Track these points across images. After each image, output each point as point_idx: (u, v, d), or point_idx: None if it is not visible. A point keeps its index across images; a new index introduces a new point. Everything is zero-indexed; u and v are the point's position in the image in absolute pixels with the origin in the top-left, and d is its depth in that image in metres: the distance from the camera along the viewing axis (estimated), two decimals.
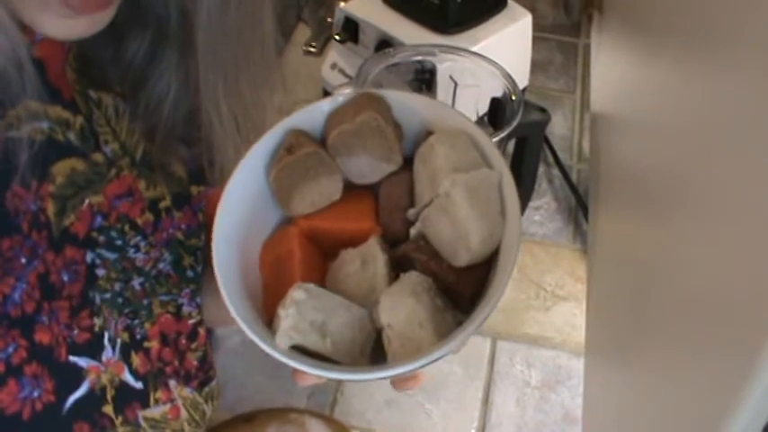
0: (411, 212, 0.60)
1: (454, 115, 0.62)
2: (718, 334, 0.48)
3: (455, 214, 0.55)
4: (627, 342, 0.78)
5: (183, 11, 0.69)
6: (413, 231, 0.59)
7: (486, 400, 0.96)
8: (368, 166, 0.62)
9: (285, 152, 0.61)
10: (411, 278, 0.57)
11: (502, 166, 0.58)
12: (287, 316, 0.55)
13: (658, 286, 0.67)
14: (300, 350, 0.56)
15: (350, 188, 0.63)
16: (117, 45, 0.71)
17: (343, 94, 0.64)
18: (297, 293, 0.56)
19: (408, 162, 0.63)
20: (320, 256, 0.64)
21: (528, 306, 1.06)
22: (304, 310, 0.56)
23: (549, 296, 1.08)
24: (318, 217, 0.63)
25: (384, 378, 0.57)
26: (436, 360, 0.53)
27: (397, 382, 0.63)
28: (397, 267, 0.59)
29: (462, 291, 0.57)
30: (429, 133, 0.62)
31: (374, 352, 0.59)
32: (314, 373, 0.55)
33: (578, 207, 1.18)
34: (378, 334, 0.58)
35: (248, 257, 0.63)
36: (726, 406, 0.44)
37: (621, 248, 0.90)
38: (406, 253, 0.59)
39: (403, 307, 0.56)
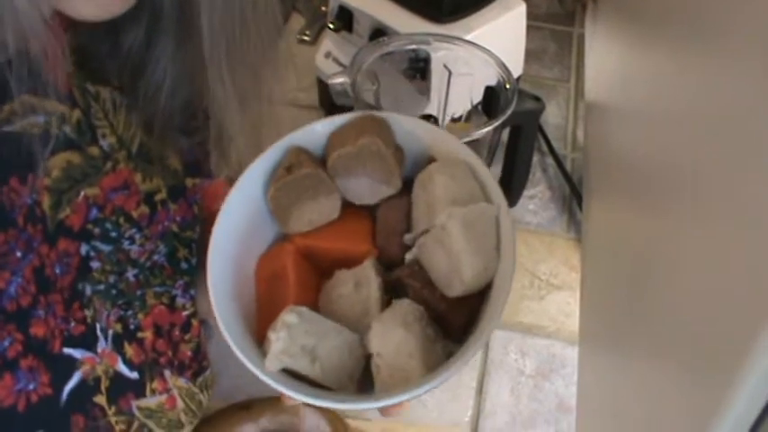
0: (407, 237, 0.60)
1: (456, 144, 0.62)
2: (712, 322, 0.49)
3: (450, 247, 0.55)
4: (621, 331, 0.78)
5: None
6: (408, 257, 0.59)
7: (480, 389, 0.97)
8: (367, 188, 0.62)
9: (284, 171, 0.61)
10: (402, 306, 0.57)
11: (500, 199, 0.58)
12: (278, 339, 0.55)
13: (652, 275, 0.67)
14: (289, 372, 0.56)
15: (348, 208, 0.64)
16: (114, 37, 0.71)
17: (344, 116, 0.65)
18: (288, 317, 0.56)
19: (408, 185, 0.63)
20: (315, 274, 0.64)
21: (522, 295, 1.07)
22: (295, 333, 0.56)
23: (543, 285, 1.08)
24: (315, 236, 0.63)
25: (370, 409, 0.57)
26: (424, 393, 0.54)
27: (383, 410, 0.64)
28: (391, 291, 0.60)
29: (453, 321, 0.58)
30: (431, 159, 0.62)
31: (362, 377, 0.59)
32: (301, 399, 0.55)
33: (572, 196, 1.18)
34: (367, 360, 0.59)
35: (244, 273, 0.63)
36: (720, 394, 0.44)
37: (615, 237, 0.90)
38: (400, 278, 0.59)
39: (393, 336, 0.56)
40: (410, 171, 0.63)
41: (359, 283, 0.60)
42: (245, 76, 0.73)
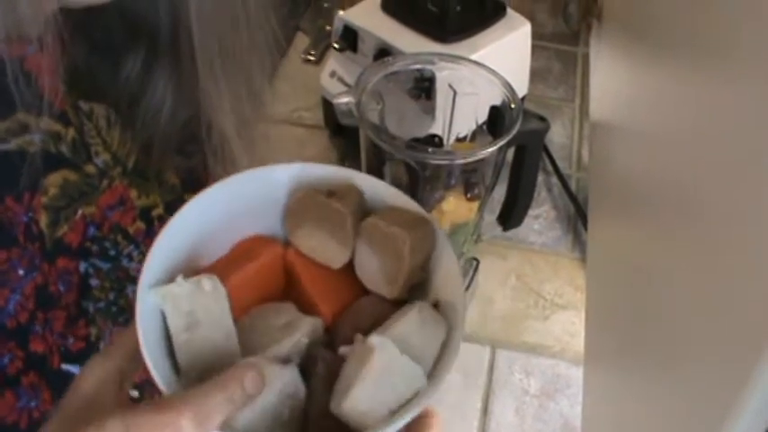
0: (358, 336, 0.55)
1: (459, 303, 0.57)
2: (718, 342, 0.48)
3: (359, 368, 0.51)
4: (626, 351, 0.78)
5: (173, 14, 0.69)
6: (341, 350, 0.55)
7: (485, 409, 0.96)
8: (371, 272, 0.59)
9: (326, 192, 0.59)
10: (285, 372, 0.53)
11: (435, 384, 0.52)
12: (179, 285, 0.53)
13: (657, 295, 0.67)
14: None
15: (352, 272, 0.60)
16: (112, 64, 0.72)
17: (411, 203, 0.61)
18: (206, 282, 0.54)
19: (404, 302, 0.59)
20: (276, 286, 0.61)
21: (527, 315, 1.06)
22: (197, 297, 0.53)
23: (547, 305, 1.08)
24: (305, 264, 0.61)
25: None
26: None
27: None
28: (305, 361, 0.56)
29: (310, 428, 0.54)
30: (435, 302, 0.58)
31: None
32: None
33: (577, 216, 1.18)
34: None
35: (223, 237, 0.60)
36: (725, 415, 0.44)
37: (620, 257, 0.90)
38: (316, 357, 0.56)
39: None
40: (416, 296, 0.59)
41: (288, 326, 0.56)
42: (239, 78, 0.73)
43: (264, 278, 0.60)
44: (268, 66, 0.77)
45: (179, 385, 0.51)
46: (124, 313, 0.72)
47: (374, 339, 0.51)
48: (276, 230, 0.62)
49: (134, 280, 0.73)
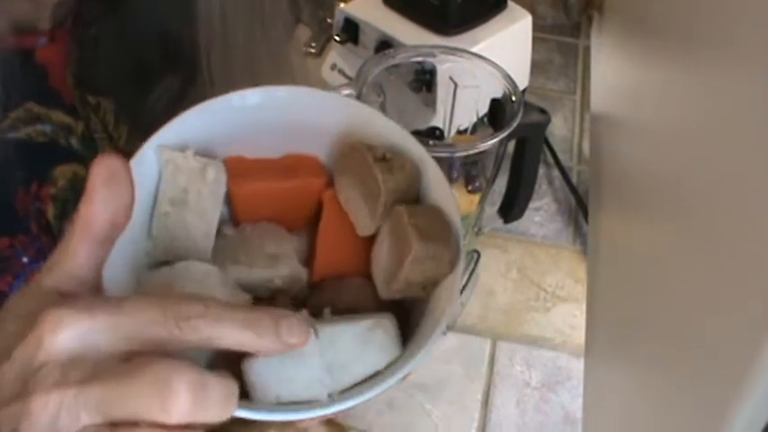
0: (326, 311, 0.53)
1: (434, 330, 0.52)
2: (719, 334, 0.48)
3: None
4: (627, 343, 0.78)
5: (209, 41, 0.68)
6: (303, 311, 0.50)
7: (486, 401, 0.96)
8: (379, 261, 0.55)
9: (381, 155, 0.54)
10: (235, 300, 0.51)
11: (340, 406, 0.48)
12: (185, 158, 0.51)
13: (658, 287, 0.67)
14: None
15: (370, 241, 0.56)
16: (147, 83, 0.71)
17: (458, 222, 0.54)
18: (211, 170, 0.52)
19: (395, 305, 0.55)
20: (302, 213, 0.58)
21: (528, 307, 1.06)
22: (195, 178, 0.51)
23: (549, 297, 1.08)
24: (333, 212, 0.56)
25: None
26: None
27: None
28: (264, 300, 0.54)
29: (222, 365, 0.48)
30: (415, 325, 0.54)
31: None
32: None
33: (578, 208, 1.18)
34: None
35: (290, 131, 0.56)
36: (726, 407, 0.44)
37: (621, 250, 0.90)
38: (276, 303, 0.54)
39: (193, 284, 0.50)
40: (410, 309, 0.56)
41: (272, 259, 0.54)
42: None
43: (290, 201, 0.56)
44: (284, 78, 0.77)
45: (144, 247, 0.50)
46: None
47: (323, 322, 0.48)
48: (330, 161, 0.58)
49: None
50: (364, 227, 0.55)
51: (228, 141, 0.55)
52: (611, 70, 1.18)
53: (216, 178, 0.52)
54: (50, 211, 0.64)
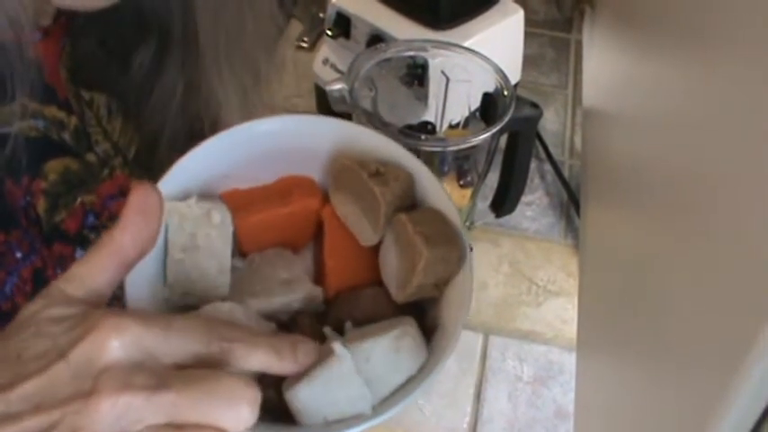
0: (347, 324, 0.54)
1: (455, 328, 0.54)
2: (710, 329, 0.49)
3: (314, 364, 0.49)
4: (618, 337, 0.78)
5: (184, 8, 0.68)
6: (326, 329, 0.54)
7: (478, 396, 0.96)
8: (388, 268, 0.57)
9: (374, 169, 0.56)
10: (261, 325, 0.52)
11: (382, 417, 0.50)
12: (189, 206, 0.52)
13: (650, 281, 0.67)
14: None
15: (377, 251, 0.58)
16: (122, 56, 0.71)
17: (455, 216, 0.56)
18: (216, 214, 0.53)
19: (410, 309, 0.57)
20: (304, 234, 0.59)
21: (520, 301, 1.06)
22: (202, 223, 0.53)
23: (540, 291, 1.08)
24: (335, 228, 0.58)
25: None
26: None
27: None
28: (285, 324, 0.55)
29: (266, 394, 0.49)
30: (431, 325, 0.56)
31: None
32: None
33: (570, 202, 1.18)
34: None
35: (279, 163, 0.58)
36: (717, 400, 0.44)
37: (613, 244, 0.90)
38: (296, 328, 0.55)
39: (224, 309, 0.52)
40: (423, 312, 0.58)
41: (286, 284, 0.55)
42: (245, 70, 0.73)
43: (291, 224, 0.58)
44: (274, 57, 0.77)
45: (162, 294, 0.52)
46: (119, 301, 0.72)
47: (337, 347, 0.49)
48: (323, 179, 0.60)
49: None
50: (367, 238, 0.57)
51: (224, 176, 0.57)
52: (604, 65, 1.18)
53: (222, 220, 0.53)
54: (41, 205, 0.64)
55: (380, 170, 0.56)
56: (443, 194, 0.57)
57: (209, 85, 0.71)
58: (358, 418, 0.50)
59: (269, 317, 0.54)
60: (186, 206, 0.52)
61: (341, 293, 0.57)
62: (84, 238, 0.69)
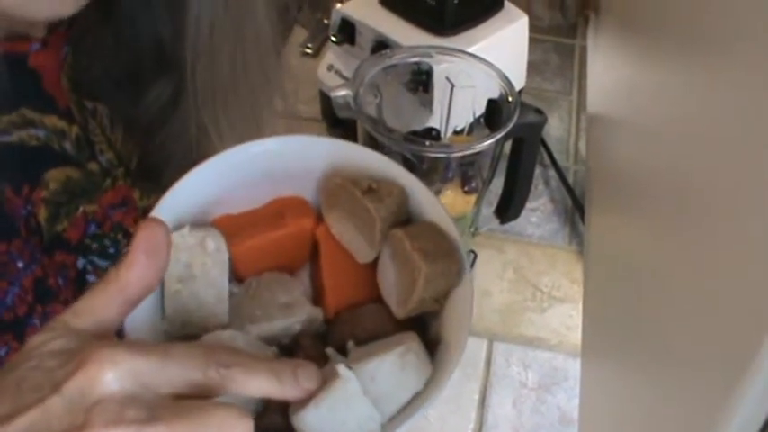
0: (350, 344, 0.54)
1: (459, 343, 0.55)
2: (715, 335, 0.49)
3: (320, 387, 0.49)
4: (623, 343, 0.78)
5: (194, 52, 0.68)
6: (328, 350, 0.54)
7: (482, 402, 0.96)
8: (387, 284, 0.56)
9: (366, 186, 0.56)
10: (266, 352, 0.52)
11: (434, 393, 0.51)
12: (182, 236, 0.52)
13: (654, 288, 0.67)
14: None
15: (375, 267, 0.58)
16: (138, 90, 0.71)
17: (450, 226, 0.56)
18: (210, 242, 0.53)
19: (412, 323, 0.56)
20: (299, 257, 0.60)
21: (524, 307, 1.06)
22: (196, 252, 0.52)
23: (545, 297, 1.08)
24: (331, 248, 0.58)
25: None
26: None
27: None
28: (287, 347, 0.55)
29: (267, 420, 0.52)
30: (433, 341, 0.56)
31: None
32: None
33: (575, 209, 1.18)
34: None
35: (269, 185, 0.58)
36: (723, 406, 0.44)
37: (618, 250, 0.90)
38: (298, 351, 0.54)
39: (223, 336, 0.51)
40: (423, 324, 0.57)
41: (286, 308, 0.55)
42: (241, 117, 0.73)
43: (286, 247, 0.58)
44: (274, 101, 0.77)
45: (161, 327, 0.51)
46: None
47: (341, 369, 0.49)
48: (315, 198, 0.60)
49: None
50: (364, 255, 0.57)
51: (216, 202, 0.57)
52: (608, 71, 1.18)
53: (217, 247, 0.53)
54: (42, 214, 0.64)
55: (373, 186, 0.56)
56: (439, 208, 0.57)
57: (206, 132, 0.71)
58: None
59: (270, 341, 0.54)
60: (180, 236, 0.52)
61: (341, 312, 0.57)
62: (85, 248, 0.69)
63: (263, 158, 0.57)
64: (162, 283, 0.51)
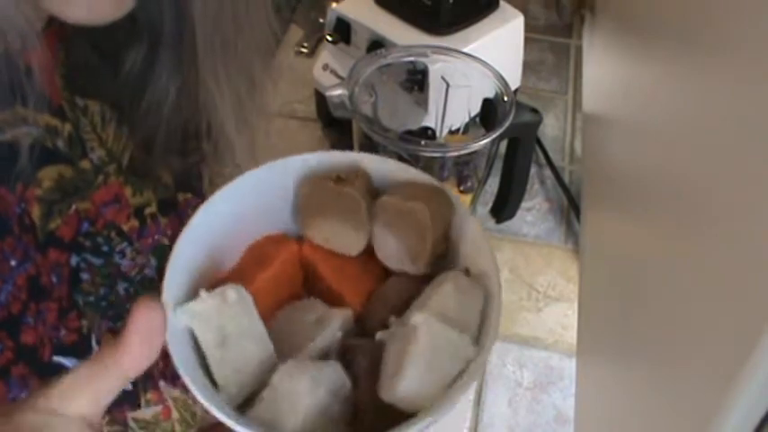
0: (392, 319, 0.55)
1: (491, 271, 0.56)
2: (710, 333, 0.49)
3: (406, 350, 0.50)
4: (619, 343, 0.78)
5: (177, 8, 0.68)
6: (378, 335, 0.54)
7: (478, 401, 0.96)
8: (394, 252, 0.58)
9: (335, 177, 0.57)
10: (328, 366, 0.52)
11: (487, 347, 0.52)
12: (203, 300, 0.51)
13: (650, 286, 0.67)
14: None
15: (370, 256, 0.59)
16: (114, 60, 0.71)
17: (420, 174, 0.59)
18: (230, 292, 0.52)
19: (432, 278, 0.57)
20: (297, 284, 0.60)
21: (520, 307, 1.06)
22: (223, 309, 0.51)
23: (540, 297, 1.08)
24: (322, 255, 0.59)
25: None
26: None
27: None
28: (343, 353, 0.55)
29: (364, 420, 0.52)
30: (465, 269, 0.57)
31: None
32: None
33: (570, 208, 1.18)
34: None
35: (238, 240, 0.58)
36: (718, 406, 0.44)
37: (613, 249, 0.90)
38: (355, 348, 0.55)
39: (294, 381, 0.51)
40: (443, 268, 0.58)
41: (319, 322, 0.55)
42: (240, 76, 0.73)
43: (285, 278, 0.58)
44: (270, 63, 0.77)
45: (219, 399, 0.50)
46: (114, 308, 0.72)
47: (416, 317, 0.50)
48: (288, 226, 0.60)
49: (125, 277, 0.73)
50: (355, 245, 0.58)
51: (213, 263, 0.57)
52: (603, 70, 1.18)
53: (239, 295, 0.52)
54: (35, 212, 0.64)
55: (341, 176, 0.57)
56: (400, 165, 0.59)
57: (205, 87, 0.71)
58: (470, 366, 0.51)
59: (324, 358, 0.54)
60: (201, 302, 0.51)
61: (365, 303, 0.58)
62: (79, 245, 0.68)
63: (235, 201, 0.58)
64: (204, 358, 0.51)
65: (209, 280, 0.56)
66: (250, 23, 0.71)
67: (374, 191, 0.59)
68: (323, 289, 0.59)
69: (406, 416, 0.50)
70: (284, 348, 0.54)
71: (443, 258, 0.58)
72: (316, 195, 0.58)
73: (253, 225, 0.59)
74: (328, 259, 0.59)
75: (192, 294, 0.53)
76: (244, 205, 0.58)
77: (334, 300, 0.58)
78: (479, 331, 0.53)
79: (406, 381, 0.48)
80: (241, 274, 0.56)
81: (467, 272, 0.57)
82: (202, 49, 0.68)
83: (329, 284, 0.58)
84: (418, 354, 0.49)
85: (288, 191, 0.60)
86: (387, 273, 0.59)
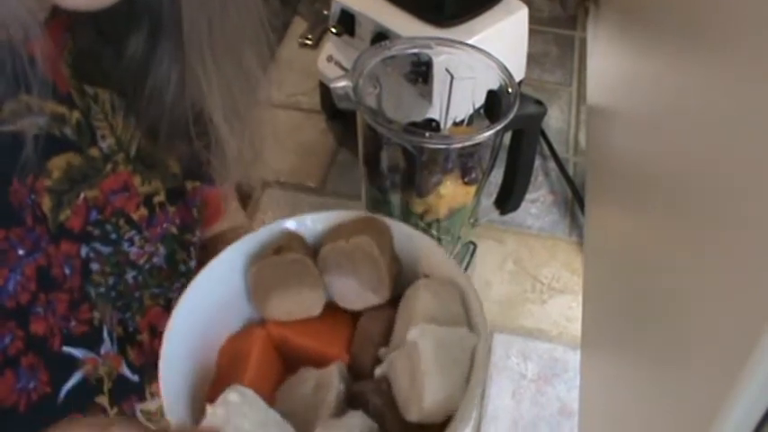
0: (382, 351, 0.57)
1: (450, 266, 0.59)
2: (714, 326, 0.49)
3: (416, 366, 0.51)
4: (623, 335, 0.78)
5: None
6: (377, 371, 0.56)
7: (482, 393, 0.96)
8: (354, 292, 0.59)
9: (272, 251, 0.59)
10: (354, 418, 0.53)
11: (483, 330, 0.54)
12: (214, 414, 0.51)
13: (654, 279, 0.67)
14: None
15: (331, 308, 0.61)
16: (116, 46, 0.71)
17: (342, 213, 0.62)
18: (231, 395, 0.52)
19: (397, 300, 0.59)
20: (280, 365, 0.61)
21: (524, 299, 1.06)
22: (233, 412, 0.52)
23: (545, 289, 1.08)
24: (291, 328, 0.60)
25: None
26: None
27: None
28: (353, 402, 0.56)
29: None
30: (424, 276, 0.59)
31: None
32: None
33: (574, 200, 1.18)
34: None
35: (206, 350, 0.60)
36: (721, 398, 0.44)
37: (618, 241, 0.90)
38: (363, 392, 0.56)
39: None
40: (403, 286, 0.60)
41: (319, 386, 0.56)
42: (229, 63, 0.73)
43: (266, 366, 0.59)
44: (264, 56, 0.77)
45: None
46: (123, 298, 0.72)
47: (411, 333, 0.51)
48: (248, 315, 0.62)
49: (134, 265, 0.73)
50: (315, 304, 0.60)
51: (199, 367, 0.58)
52: (608, 62, 1.18)
53: (240, 393, 0.53)
54: (46, 203, 0.64)
55: (276, 248, 0.59)
56: (321, 214, 0.63)
57: (194, 73, 0.71)
58: (477, 352, 0.52)
59: (338, 416, 0.54)
60: (211, 416, 0.51)
61: (350, 349, 0.59)
62: (88, 235, 0.69)
63: (199, 310, 0.59)
64: None
65: (203, 388, 0.58)
66: (236, 6, 0.71)
67: (310, 248, 0.61)
68: (305, 356, 0.60)
69: (438, 426, 0.51)
70: (299, 424, 0.54)
71: (399, 277, 0.59)
72: (264, 274, 0.59)
73: (220, 326, 0.61)
74: (296, 328, 0.60)
75: (192, 403, 0.55)
76: (205, 313, 0.59)
77: (319, 361, 0.58)
78: (469, 322, 0.55)
79: (429, 393, 0.50)
80: (228, 381, 0.56)
81: (427, 276, 0.59)
82: (188, 33, 0.68)
83: (308, 350, 0.59)
84: (429, 362, 0.50)
85: (236, 284, 0.61)
86: (355, 315, 0.60)
